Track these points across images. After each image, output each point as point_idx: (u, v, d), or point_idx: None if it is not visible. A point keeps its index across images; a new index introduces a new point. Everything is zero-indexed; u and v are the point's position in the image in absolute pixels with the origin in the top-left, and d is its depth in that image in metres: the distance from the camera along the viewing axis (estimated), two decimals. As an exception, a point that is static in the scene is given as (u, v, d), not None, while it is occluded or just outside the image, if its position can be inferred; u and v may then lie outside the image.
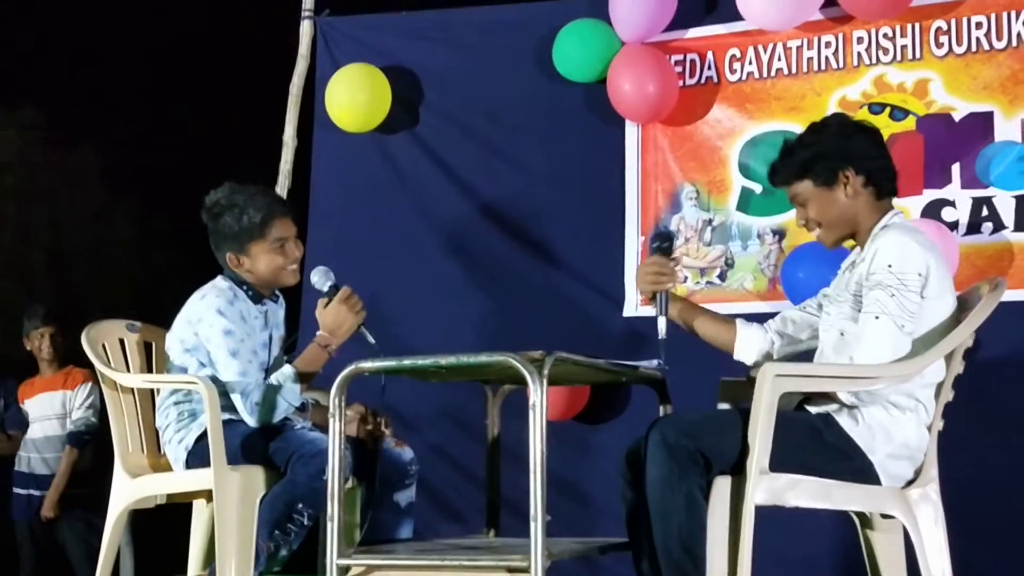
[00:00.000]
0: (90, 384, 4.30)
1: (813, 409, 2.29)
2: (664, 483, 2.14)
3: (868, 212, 2.35)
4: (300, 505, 2.49)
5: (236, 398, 2.62)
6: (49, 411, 4.39)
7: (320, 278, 2.73)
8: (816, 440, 2.22)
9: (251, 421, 2.62)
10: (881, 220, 2.35)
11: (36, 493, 4.36)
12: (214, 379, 2.63)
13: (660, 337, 2.41)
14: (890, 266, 2.21)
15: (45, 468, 4.37)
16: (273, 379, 2.64)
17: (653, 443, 2.16)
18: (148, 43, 5.36)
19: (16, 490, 4.42)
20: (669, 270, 2.45)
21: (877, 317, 2.19)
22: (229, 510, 2.50)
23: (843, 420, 2.23)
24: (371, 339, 2.69)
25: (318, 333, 2.70)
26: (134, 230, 5.70)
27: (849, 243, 2.46)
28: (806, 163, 2.36)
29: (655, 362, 2.44)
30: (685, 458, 2.13)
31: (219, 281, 2.77)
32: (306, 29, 4.08)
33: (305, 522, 2.51)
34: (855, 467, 2.22)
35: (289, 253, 2.76)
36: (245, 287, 2.76)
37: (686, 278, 3.52)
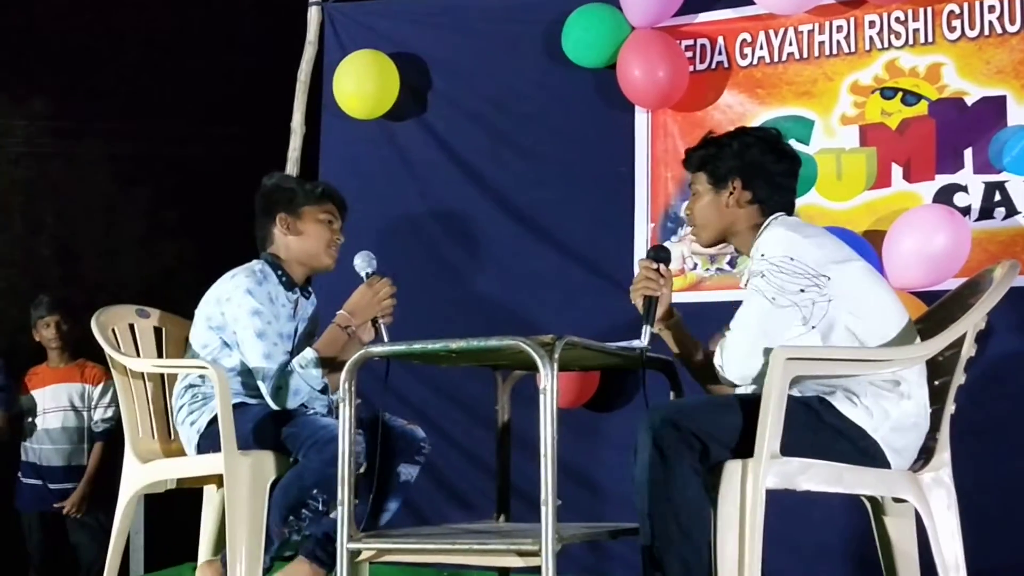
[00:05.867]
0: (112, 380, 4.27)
1: (796, 393, 2.28)
2: (655, 467, 2.12)
3: (745, 222, 2.40)
4: (315, 491, 2.49)
5: (260, 380, 2.62)
6: (65, 402, 4.39)
7: (361, 262, 2.74)
8: (817, 422, 2.21)
9: (274, 404, 2.63)
10: (761, 226, 2.38)
11: (50, 485, 4.36)
12: (240, 362, 2.64)
13: (641, 345, 2.40)
14: (763, 255, 2.29)
15: (59, 459, 4.36)
16: (295, 363, 2.64)
17: (641, 429, 2.16)
18: (156, 32, 5.35)
19: (26, 480, 4.41)
20: (657, 276, 2.45)
21: (748, 297, 2.28)
22: (240, 495, 2.50)
23: (839, 403, 2.22)
24: (385, 337, 2.69)
25: (338, 313, 2.70)
26: (143, 221, 5.69)
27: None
28: (707, 158, 2.43)
29: (645, 340, 2.41)
30: (674, 440, 2.12)
31: (253, 263, 2.78)
32: (314, 15, 4.08)
33: (320, 507, 2.51)
34: (860, 448, 2.20)
35: (335, 233, 2.83)
36: (279, 272, 2.76)
37: (696, 265, 3.51)
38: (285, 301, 2.75)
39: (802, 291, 2.22)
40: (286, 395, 2.61)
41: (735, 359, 2.24)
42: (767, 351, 2.18)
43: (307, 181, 2.94)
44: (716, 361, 2.30)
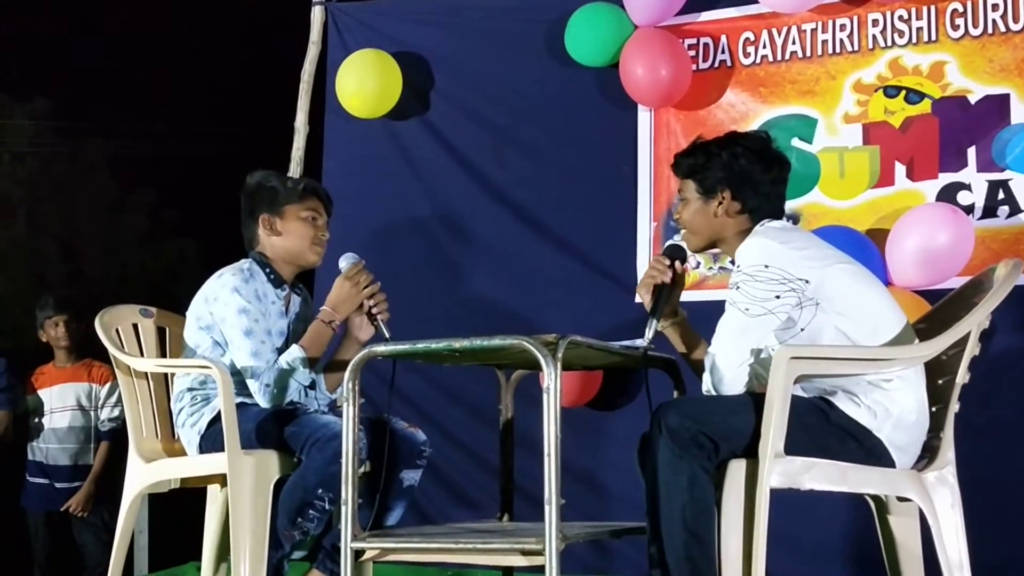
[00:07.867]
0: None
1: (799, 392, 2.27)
2: (665, 465, 2.13)
3: (734, 229, 2.42)
4: (320, 491, 2.49)
5: (248, 379, 2.62)
6: (72, 402, 4.39)
7: (345, 263, 2.74)
8: (824, 422, 2.21)
9: (263, 402, 2.63)
10: (748, 233, 2.39)
11: (56, 484, 4.36)
12: (232, 361, 2.64)
13: (643, 344, 2.39)
14: (738, 266, 2.32)
15: (66, 459, 4.36)
16: (282, 360, 2.65)
17: (655, 427, 2.17)
18: (159, 33, 5.37)
19: (33, 479, 4.41)
20: (665, 267, 2.46)
21: (726, 309, 2.30)
22: (243, 494, 2.50)
23: (843, 404, 2.22)
24: (387, 333, 2.69)
25: (321, 308, 2.71)
26: (146, 220, 5.71)
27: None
28: (696, 167, 2.44)
29: (649, 335, 2.41)
30: (687, 440, 2.13)
31: (242, 261, 2.77)
32: (317, 15, 4.08)
33: (326, 507, 2.50)
34: (866, 449, 2.21)
35: (319, 229, 2.80)
36: (268, 270, 2.76)
37: (699, 263, 3.51)
38: (275, 298, 2.75)
39: (777, 297, 2.23)
40: (275, 393, 2.61)
41: (721, 379, 2.26)
42: (753, 360, 2.21)
43: (290, 178, 2.89)
44: (704, 386, 2.31)
